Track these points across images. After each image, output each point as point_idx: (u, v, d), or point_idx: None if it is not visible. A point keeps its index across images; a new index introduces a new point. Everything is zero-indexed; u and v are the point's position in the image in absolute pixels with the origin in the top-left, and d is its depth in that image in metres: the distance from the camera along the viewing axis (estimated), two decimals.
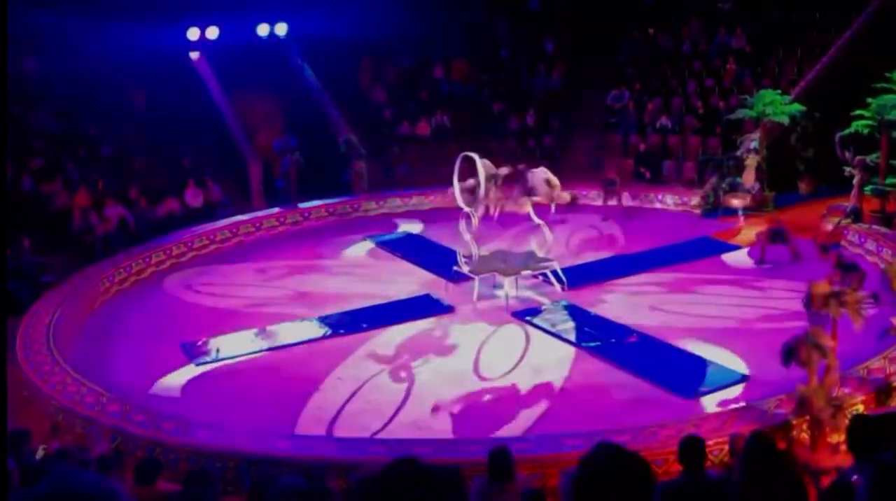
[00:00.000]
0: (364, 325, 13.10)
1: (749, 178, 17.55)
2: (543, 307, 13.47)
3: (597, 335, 12.32)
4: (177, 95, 21.30)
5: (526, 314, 13.25)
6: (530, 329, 12.79)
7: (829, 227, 15.88)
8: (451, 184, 14.55)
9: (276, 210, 18.82)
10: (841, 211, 16.09)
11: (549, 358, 11.78)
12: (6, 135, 17.29)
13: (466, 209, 14.43)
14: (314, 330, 13.03)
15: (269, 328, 13.13)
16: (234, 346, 12.58)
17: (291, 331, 13.00)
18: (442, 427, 10.02)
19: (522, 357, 11.93)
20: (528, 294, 14.02)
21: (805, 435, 9.09)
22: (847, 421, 7.70)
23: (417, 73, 23.75)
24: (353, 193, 19.91)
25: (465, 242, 14.36)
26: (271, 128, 20.88)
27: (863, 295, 10.17)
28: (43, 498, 1.78)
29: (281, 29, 22.43)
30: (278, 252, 17.04)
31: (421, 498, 2.27)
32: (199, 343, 12.67)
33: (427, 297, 14.13)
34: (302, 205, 18.92)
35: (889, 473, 2.35)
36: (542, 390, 10.86)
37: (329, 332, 12.93)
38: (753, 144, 17.72)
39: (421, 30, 24.48)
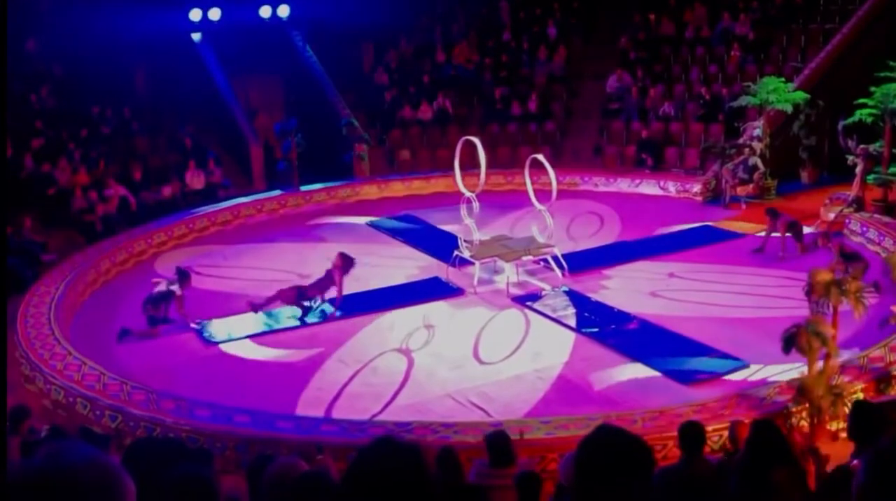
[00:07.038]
0: (365, 308, 13.09)
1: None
2: (544, 292, 13.45)
3: (597, 321, 12.32)
4: (178, 76, 21.24)
5: (526, 299, 13.24)
6: (530, 314, 12.79)
7: (831, 216, 15.85)
8: (452, 168, 14.48)
9: (277, 192, 18.80)
10: (843, 200, 16.05)
11: (549, 344, 11.79)
12: (7, 115, 17.27)
13: (467, 194, 14.40)
14: (315, 312, 13.01)
15: (270, 310, 13.12)
16: (234, 328, 12.58)
17: (292, 313, 12.98)
18: (442, 411, 10.03)
19: (522, 342, 11.94)
20: (529, 279, 14.01)
21: (804, 423, 9.10)
22: (847, 409, 7.73)
23: (419, 57, 23.65)
24: (355, 176, 19.87)
25: (466, 226, 14.34)
26: (273, 111, 20.81)
27: (864, 284, 10.17)
28: (36, 470, 1.77)
29: (283, 11, 22.33)
30: (279, 234, 17.02)
31: (411, 478, 2.22)
32: (200, 324, 12.68)
33: (436, 280, 14.11)
34: (303, 188, 18.89)
35: (887, 458, 2.33)
36: (541, 375, 10.87)
37: (330, 314, 12.91)
38: (757, 132, 17.66)
39: (423, 13, 24.38)
